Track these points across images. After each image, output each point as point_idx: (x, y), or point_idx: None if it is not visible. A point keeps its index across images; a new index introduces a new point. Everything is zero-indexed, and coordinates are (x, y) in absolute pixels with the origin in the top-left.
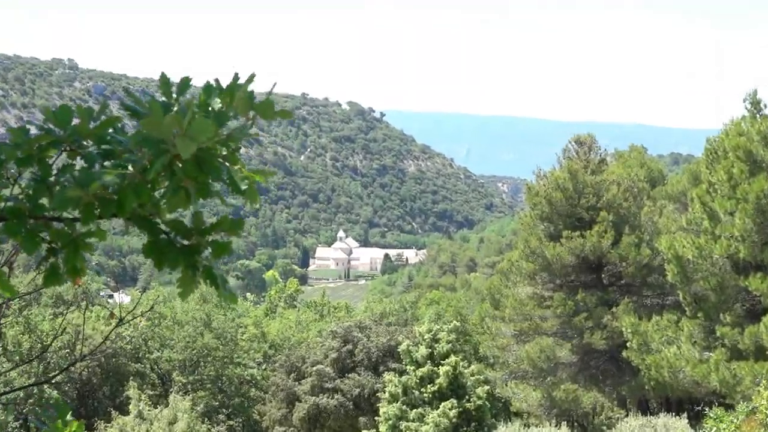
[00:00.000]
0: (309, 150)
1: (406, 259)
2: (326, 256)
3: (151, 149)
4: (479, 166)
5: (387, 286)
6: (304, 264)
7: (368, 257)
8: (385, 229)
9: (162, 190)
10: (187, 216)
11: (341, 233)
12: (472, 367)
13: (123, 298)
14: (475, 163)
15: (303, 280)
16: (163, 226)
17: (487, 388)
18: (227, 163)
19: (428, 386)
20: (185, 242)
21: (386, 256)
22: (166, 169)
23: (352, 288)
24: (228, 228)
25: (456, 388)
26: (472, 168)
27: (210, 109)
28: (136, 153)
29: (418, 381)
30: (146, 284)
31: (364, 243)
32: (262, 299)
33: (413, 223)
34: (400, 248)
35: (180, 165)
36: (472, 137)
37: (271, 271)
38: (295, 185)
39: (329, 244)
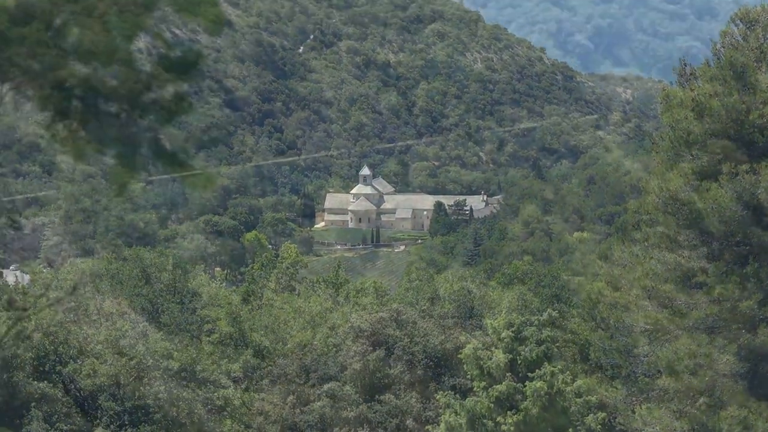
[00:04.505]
0: (311, 37)
1: (471, 210)
2: (341, 208)
3: None
4: (587, 60)
5: (440, 255)
6: (307, 220)
7: (409, 208)
8: (436, 163)
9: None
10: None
11: (365, 171)
12: (578, 382)
13: (18, 277)
14: (580, 55)
15: (305, 246)
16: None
17: (602, 415)
18: None
19: (509, 413)
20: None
21: (438, 206)
22: None
23: (384, 258)
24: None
25: (554, 416)
26: (574, 64)
27: None
28: None
29: (492, 405)
30: (53, 254)
31: (403, 186)
32: (239, 278)
33: (481, 153)
34: (461, 194)
35: None
36: (572, 14)
37: (253, 232)
38: (291, 93)
39: (347, 189)
